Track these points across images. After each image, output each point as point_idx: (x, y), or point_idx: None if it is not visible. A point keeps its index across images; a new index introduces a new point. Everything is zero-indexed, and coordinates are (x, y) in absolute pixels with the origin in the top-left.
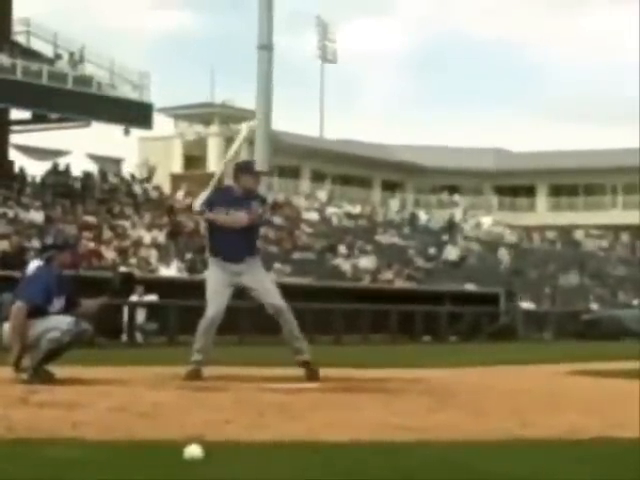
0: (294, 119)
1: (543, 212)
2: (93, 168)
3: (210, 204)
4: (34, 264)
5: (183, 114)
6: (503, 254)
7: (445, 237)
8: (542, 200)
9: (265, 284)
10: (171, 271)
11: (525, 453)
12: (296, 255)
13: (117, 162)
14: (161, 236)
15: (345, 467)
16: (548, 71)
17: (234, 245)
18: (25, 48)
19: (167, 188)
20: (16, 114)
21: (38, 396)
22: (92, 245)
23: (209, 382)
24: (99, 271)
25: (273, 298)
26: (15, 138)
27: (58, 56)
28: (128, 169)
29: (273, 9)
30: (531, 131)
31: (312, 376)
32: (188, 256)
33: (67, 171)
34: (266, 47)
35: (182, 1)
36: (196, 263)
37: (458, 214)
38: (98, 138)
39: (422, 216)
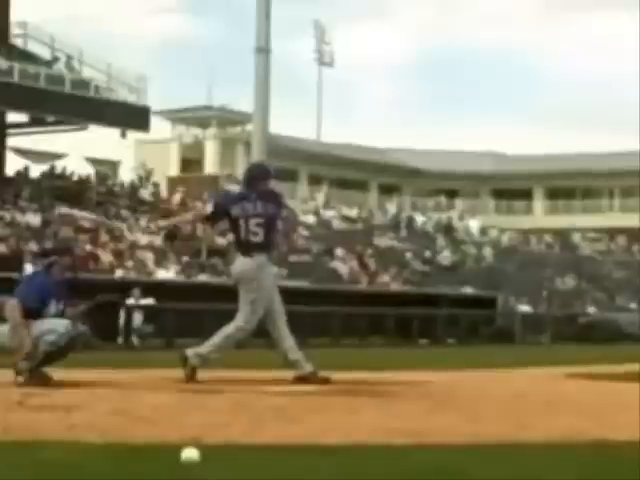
0: (291, 122)
1: (540, 215)
2: (90, 171)
3: (225, 204)
4: (31, 267)
5: (180, 117)
6: (487, 252)
7: (441, 240)
8: (539, 203)
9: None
10: (168, 274)
11: (523, 456)
12: (293, 258)
13: (114, 165)
14: (158, 239)
15: (343, 470)
16: (545, 75)
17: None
18: (22, 51)
19: (164, 191)
20: (13, 117)
21: (35, 399)
22: (89, 248)
23: (207, 385)
24: (95, 274)
25: (282, 315)
26: (12, 141)
27: (55, 59)
28: (125, 172)
29: (271, 12)
30: (528, 135)
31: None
32: (185, 259)
33: (64, 174)
34: (264, 50)
35: (180, 5)
36: (193, 266)
37: (455, 217)
38: (95, 141)
39: (419, 219)
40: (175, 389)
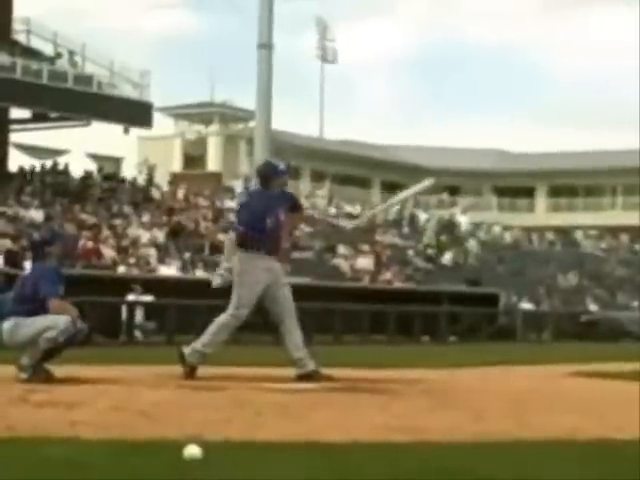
0: (294, 119)
1: (542, 213)
2: (93, 167)
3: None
4: (31, 264)
5: (183, 113)
6: (472, 245)
7: (443, 238)
8: (541, 201)
9: (287, 284)
10: (170, 270)
11: (524, 455)
12: (295, 255)
13: (117, 161)
14: (160, 235)
15: (343, 468)
16: (548, 73)
17: (275, 238)
18: (25, 47)
19: (167, 187)
20: (16, 113)
21: (37, 395)
22: (91, 244)
23: (208, 382)
24: (98, 270)
25: (292, 303)
26: (15, 137)
27: (58, 55)
28: (128, 168)
29: (273, 8)
30: (531, 132)
31: (326, 379)
32: (187, 255)
33: (66, 170)
34: (266, 46)
35: (182, 0)
36: (195, 262)
37: (457, 215)
38: (98, 137)
39: (421, 216)
40: (176, 386)
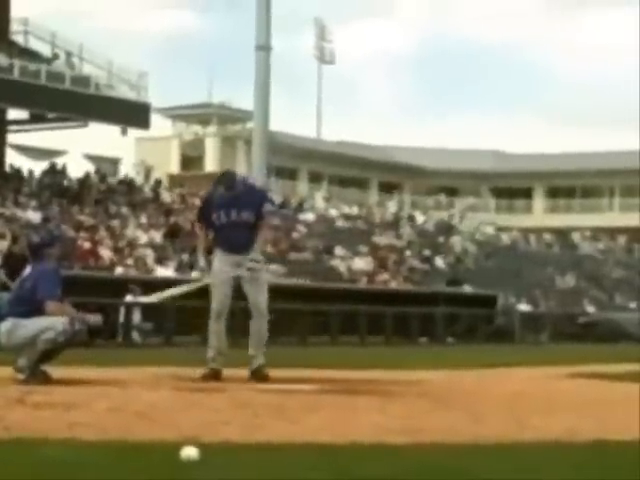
0: (292, 120)
1: (540, 214)
2: (90, 168)
3: (207, 209)
4: (29, 266)
5: (181, 114)
6: (455, 241)
7: (441, 239)
8: (539, 202)
9: (260, 282)
10: (167, 271)
11: (521, 456)
12: (292, 256)
13: (114, 162)
14: (158, 236)
15: (341, 469)
16: (547, 73)
17: (238, 239)
18: (23, 48)
19: (165, 188)
20: (13, 114)
21: (35, 397)
22: (88, 245)
23: (206, 383)
24: (95, 271)
25: (261, 301)
26: (12, 138)
27: (56, 56)
28: (125, 169)
29: (271, 10)
30: (528, 133)
31: (262, 379)
32: (185, 256)
33: (64, 171)
34: (264, 48)
35: (180, 1)
36: (193, 264)
37: (455, 216)
38: (95, 138)
39: (419, 218)
40: (174, 387)
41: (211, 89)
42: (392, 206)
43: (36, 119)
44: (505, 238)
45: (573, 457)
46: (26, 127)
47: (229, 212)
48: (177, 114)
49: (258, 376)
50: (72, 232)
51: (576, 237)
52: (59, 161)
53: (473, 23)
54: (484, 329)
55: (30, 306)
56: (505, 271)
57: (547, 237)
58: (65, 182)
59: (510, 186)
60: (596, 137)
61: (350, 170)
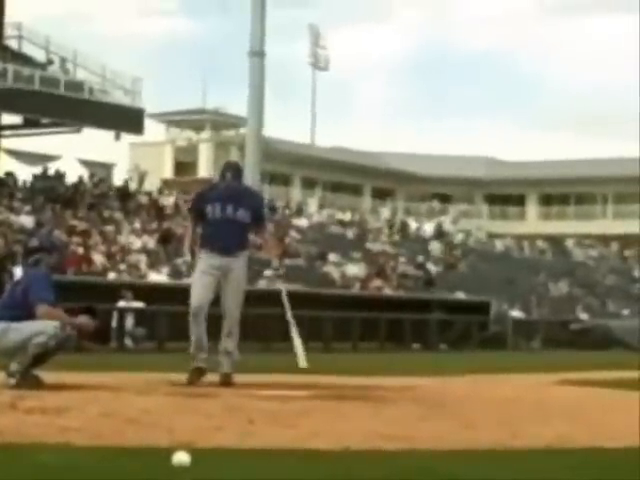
0: (285, 126)
1: (533, 221)
2: (84, 173)
3: (201, 201)
4: (22, 269)
5: (174, 120)
6: (435, 247)
7: (435, 245)
8: (532, 209)
9: (238, 286)
10: (161, 277)
11: (514, 462)
12: (286, 262)
13: (108, 167)
14: (151, 242)
15: (334, 475)
16: (539, 80)
17: (228, 238)
18: (17, 53)
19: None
20: (7, 119)
21: (26, 402)
22: (81, 250)
23: (199, 388)
24: (88, 276)
25: (234, 306)
26: (6, 142)
27: (50, 61)
28: (119, 174)
29: (265, 16)
30: (522, 140)
31: (226, 384)
32: (178, 262)
33: (57, 176)
34: (258, 54)
35: (175, 7)
36: (186, 269)
37: (447, 223)
38: (89, 143)
39: (412, 224)
40: (167, 392)
41: (205, 95)
42: (385, 212)
43: (30, 124)
44: (498, 245)
45: (564, 463)
46: (20, 132)
47: (225, 207)
48: (171, 119)
49: (223, 382)
50: (65, 237)
51: (569, 244)
52: (53, 166)
53: (467, 29)
54: (477, 335)
55: (22, 310)
56: (498, 278)
57: (540, 244)
58: (58, 187)
59: (503, 193)
60: (589, 144)
61: (344, 176)
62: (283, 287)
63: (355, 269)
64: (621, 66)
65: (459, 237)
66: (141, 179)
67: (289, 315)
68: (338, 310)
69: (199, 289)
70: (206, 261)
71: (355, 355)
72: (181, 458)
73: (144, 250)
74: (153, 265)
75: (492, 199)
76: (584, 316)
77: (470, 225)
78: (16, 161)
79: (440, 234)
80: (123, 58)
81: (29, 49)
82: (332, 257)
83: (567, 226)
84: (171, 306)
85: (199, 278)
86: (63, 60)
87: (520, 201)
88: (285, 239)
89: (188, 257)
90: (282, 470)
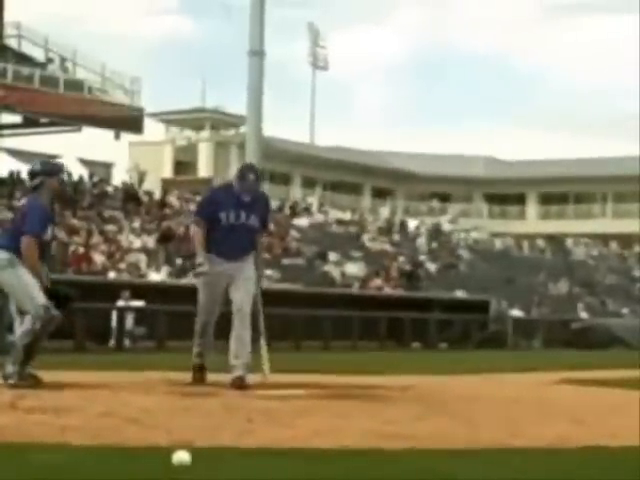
0: (285, 125)
1: (533, 220)
2: (83, 172)
3: (213, 207)
4: (26, 198)
5: (174, 119)
6: (421, 243)
7: (434, 245)
8: (532, 208)
9: (249, 289)
10: (160, 276)
11: (514, 462)
12: (286, 261)
13: (107, 167)
14: (151, 241)
15: (332, 474)
16: (539, 80)
17: (239, 244)
18: (16, 52)
19: (158, 193)
20: (7, 118)
21: (26, 401)
22: (82, 250)
23: (198, 388)
24: (88, 276)
25: (245, 303)
26: (6, 142)
27: (49, 60)
28: (119, 174)
29: (265, 15)
30: (521, 139)
31: (240, 387)
32: (178, 261)
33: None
34: (257, 53)
35: (174, 7)
36: (186, 268)
37: (446, 222)
38: (89, 143)
39: (412, 223)
40: (166, 392)
41: (204, 94)
42: (385, 212)
43: (29, 123)
44: (498, 244)
45: (564, 463)
46: (19, 131)
47: (239, 213)
48: (170, 119)
49: (236, 385)
50: (65, 236)
51: (569, 243)
52: None
53: (466, 30)
54: (477, 335)
55: (19, 242)
56: (498, 277)
57: (540, 243)
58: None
59: (503, 192)
60: (589, 143)
61: (343, 175)
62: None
63: (355, 268)
64: (620, 66)
65: (460, 236)
66: (140, 178)
67: (261, 319)
68: (338, 309)
69: (208, 303)
70: (213, 268)
71: (355, 354)
72: (181, 457)
73: (144, 250)
74: (153, 264)
75: (492, 198)
76: (584, 315)
77: (469, 224)
78: (16, 160)
79: (437, 232)
80: (123, 57)
81: (28, 48)
82: (332, 256)
83: (567, 225)
84: (171, 305)
85: (208, 292)
86: (63, 59)
87: (520, 200)
88: (285, 238)
89: (202, 258)
90: (281, 469)
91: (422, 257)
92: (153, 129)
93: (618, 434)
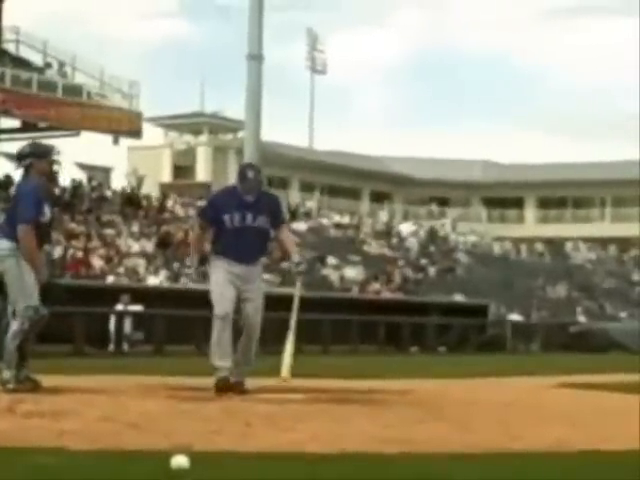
0: (283, 130)
1: (532, 224)
2: (82, 177)
3: (216, 210)
4: (17, 183)
5: (173, 124)
6: (412, 243)
7: (432, 248)
8: (531, 212)
9: (259, 298)
10: (158, 280)
11: (512, 466)
12: (285, 265)
13: (106, 171)
14: (149, 245)
15: (331, 478)
16: (537, 83)
17: (248, 247)
18: (15, 57)
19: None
20: (5, 122)
21: (25, 405)
22: (80, 254)
23: (197, 392)
24: (86, 280)
25: (255, 312)
26: (4, 146)
27: (48, 65)
28: (117, 178)
29: (263, 19)
30: (520, 143)
31: (239, 392)
32: (176, 265)
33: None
34: (256, 57)
35: (173, 11)
36: (184, 273)
37: (446, 226)
38: (87, 147)
39: (404, 227)
40: (165, 396)
41: (203, 98)
42: (383, 216)
43: (28, 128)
44: (497, 248)
45: (562, 466)
46: (18, 136)
47: (245, 215)
48: (169, 123)
49: (219, 387)
50: (63, 240)
51: (568, 247)
52: None
53: (464, 32)
54: (475, 339)
55: (15, 230)
56: (497, 281)
57: (539, 247)
58: (57, 190)
59: (501, 196)
60: (588, 147)
61: (342, 179)
62: (299, 289)
63: (354, 272)
64: (620, 69)
65: (458, 240)
66: (139, 183)
67: (293, 320)
68: (337, 313)
69: (223, 295)
70: (225, 268)
71: (353, 358)
72: (180, 461)
73: (142, 254)
74: (151, 269)
75: (490, 202)
76: (582, 319)
77: (467, 228)
78: (14, 165)
79: (434, 236)
80: (121, 62)
81: (27, 53)
82: (331, 260)
83: (565, 229)
84: (168, 309)
85: (221, 285)
86: (61, 64)
87: (518, 204)
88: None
89: (195, 261)
90: (280, 473)
91: (414, 260)
92: (152, 133)
93: (616, 438)
